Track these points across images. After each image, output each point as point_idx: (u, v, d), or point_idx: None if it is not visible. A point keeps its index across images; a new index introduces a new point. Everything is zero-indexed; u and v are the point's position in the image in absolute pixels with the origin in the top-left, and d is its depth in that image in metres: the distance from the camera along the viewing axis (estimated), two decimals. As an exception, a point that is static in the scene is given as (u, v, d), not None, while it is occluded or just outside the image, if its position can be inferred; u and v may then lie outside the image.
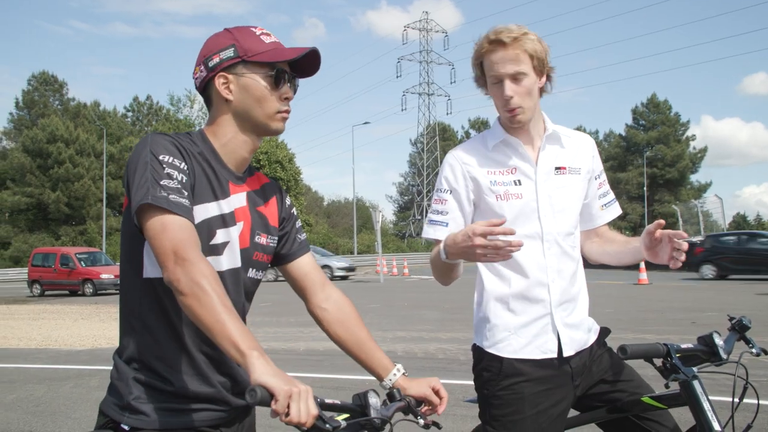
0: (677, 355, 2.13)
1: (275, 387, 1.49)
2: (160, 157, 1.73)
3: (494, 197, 2.34)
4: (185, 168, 1.77)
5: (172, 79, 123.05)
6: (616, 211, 2.59)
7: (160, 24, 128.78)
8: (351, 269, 33.94)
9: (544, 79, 2.36)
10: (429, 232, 2.40)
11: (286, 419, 1.50)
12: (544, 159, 2.39)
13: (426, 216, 2.46)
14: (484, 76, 2.36)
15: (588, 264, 2.51)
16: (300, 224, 2.16)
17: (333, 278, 29.60)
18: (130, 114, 70.03)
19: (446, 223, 2.37)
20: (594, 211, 2.53)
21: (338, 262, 33.39)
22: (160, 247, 1.63)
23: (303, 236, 2.15)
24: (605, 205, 2.56)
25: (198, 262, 1.62)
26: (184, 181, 1.74)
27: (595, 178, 2.51)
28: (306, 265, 2.11)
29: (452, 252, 2.15)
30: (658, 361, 2.14)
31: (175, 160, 1.76)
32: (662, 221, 2.27)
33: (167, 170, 1.72)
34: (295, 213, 2.16)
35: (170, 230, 1.64)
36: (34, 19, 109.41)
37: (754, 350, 2.27)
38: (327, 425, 1.56)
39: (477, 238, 2.01)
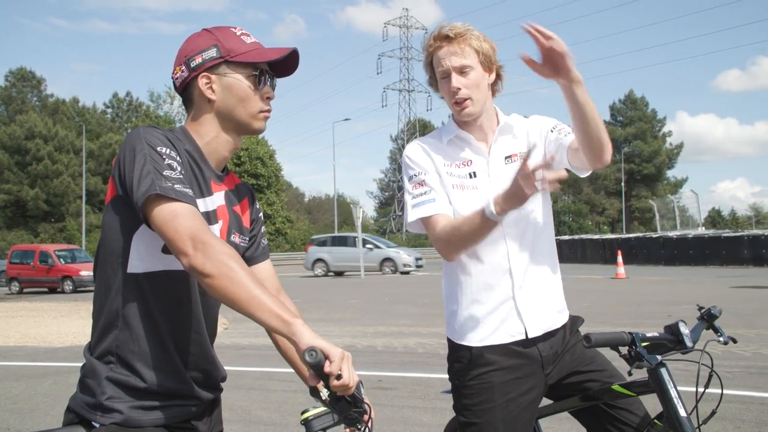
0: (643, 343, 2.19)
1: (330, 349, 1.55)
2: (158, 149, 1.75)
3: (451, 186, 2.40)
4: (180, 161, 1.79)
5: (152, 75, 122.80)
6: None
7: (139, 21, 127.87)
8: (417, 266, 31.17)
9: (493, 76, 2.41)
10: (418, 213, 2.38)
11: (338, 382, 1.55)
12: (495, 151, 2.44)
13: (405, 209, 2.46)
14: (436, 76, 2.42)
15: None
16: (264, 230, 2.19)
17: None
18: (109, 110, 69.41)
19: (433, 198, 2.37)
20: (567, 138, 2.38)
21: (406, 256, 31.09)
22: (174, 234, 1.64)
23: (265, 242, 2.18)
24: (568, 133, 2.40)
25: (218, 244, 1.64)
26: (183, 173, 1.77)
27: (551, 131, 2.43)
28: (265, 270, 2.13)
29: (502, 203, 2.10)
30: (624, 350, 2.19)
31: (172, 152, 1.78)
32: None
33: (167, 161, 1.74)
34: (262, 218, 2.19)
35: (182, 217, 1.66)
36: (12, 16, 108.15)
37: (721, 339, 2.32)
38: (361, 396, 1.65)
39: (524, 170, 1.97)
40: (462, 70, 2.33)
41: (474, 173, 2.41)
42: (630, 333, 2.18)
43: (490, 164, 2.42)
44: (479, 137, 2.45)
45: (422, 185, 2.41)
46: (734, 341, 2.38)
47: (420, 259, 31.45)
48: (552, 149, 2.42)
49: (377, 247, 31.28)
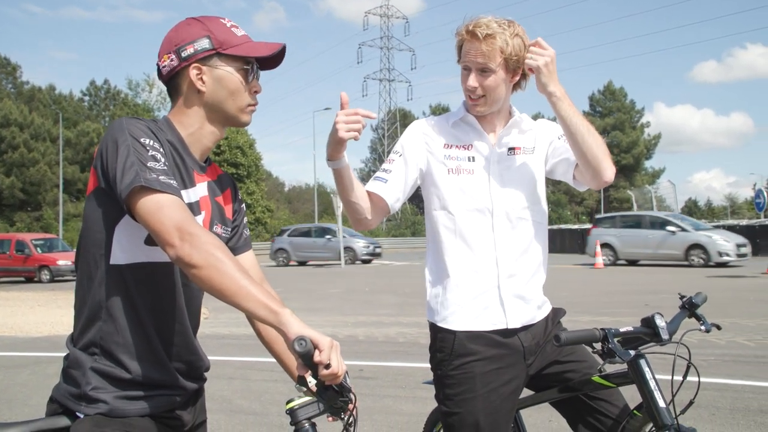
0: (617, 338, 2.20)
1: (319, 339, 1.57)
2: (142, 140, 1.74)
3: (446, 170, 2.43)
4: (164, 152, 1.79)
5: (129, 63, 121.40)
6: None
7: (116, 8, 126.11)
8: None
9: (518, 77, 2.43)
10: (369, 185, 2.49)
11: (326, 371, 1.56)
12: (500, 140, 2.47)
13: None
14: None
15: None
16: (246, 220, 2.20)
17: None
18: (86, 98, 68.66)
19: (386, 179, 2.47)
20: (569, 156, 2.46)
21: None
22: (160, 225, 1.64)
23: (247, 232, 2.18)
24: None
25: (204, 235, 1.65)
26: (167, 164, 1.76)
27: (559, 138, 2.51)
28: (248, 261, 2.13)
29: (328, 150, 2.28)
30: (598, 345, 2.20)
31: (155, 143, 1.78)
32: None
33: (151, 153, 1.73)
34: (244, 208, 2.19)
35: (167, 209, 1.66)
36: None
37: (703, 327, 2.34)
38: (348, 385, 1.67)
39: (340, 116, 2.17)
40: (482, 70, 2.35)
41: (473, 158, 2.44)
42: (603, 329, 2.19)
43: (492, 151, 2.44)
44: (486, 124, 2.48)
45: (390, 163, 2.50)
46: (718, 328, 2.40)
47: (743, 245, 22.52)
48: (555, 157, 2.50)
49: (682, 229, 22.90)
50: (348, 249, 29.66)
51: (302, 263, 31.06)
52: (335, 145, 2.24)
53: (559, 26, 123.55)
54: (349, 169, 2.36)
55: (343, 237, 29.09)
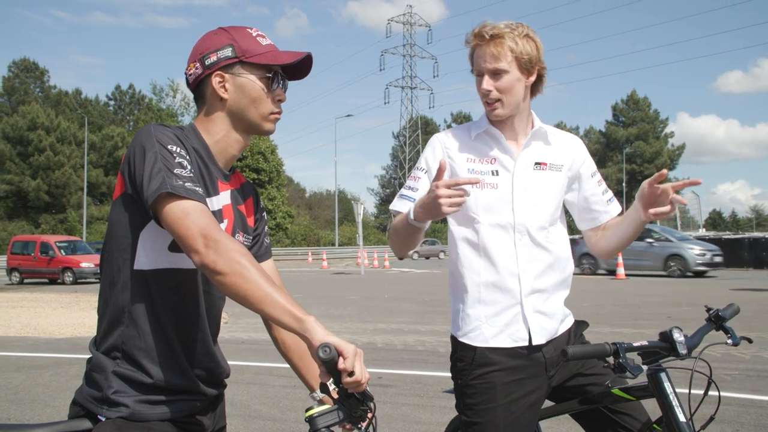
0: (632, 352, 2.16)
1: (344, 346, 1.57)
2: (169, 147, 1.76)
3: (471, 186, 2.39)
4: (190, 159, 1.80)
5: (152, 69, 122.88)
6: (618, 207, 2.61)
7: (140, 14, 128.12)
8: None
9: (533, 78, 2.40)
10: (396, 205, 2.45)
11: (350, 378, 1.56)
12: (525, 154, 2.43)
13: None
14: None
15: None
16: (267, 229, 2.20)
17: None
18: (112, 103, 69.47)
19: (414, 198, 2.40)
20: (600, 207, 2.55)
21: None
22: (186, 231, 1.65)
23: (268, 240, 2.19)
24: (610, 200, 2.59)
25: (229, 242, 1.65)
26: (193, 171, 1.78)
27: (591, 176, 2.55)
28: (268, 269, 2.12)
29: (419, 212, 2.21)
30: (611, 360, 2.16)
31: (182, 150, 1.79)
32: (665, 171, 2.35)
33: (178, 159, 1.75)
34: (265, 216, 2.20)
35: (193, 215, 1.67)
36: (13, 7, 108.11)
37: (730, 340, 2.29)
38: (369, 393, 1.66)
39: (441, 189, 2.08)
40: (494, 73, 2.33)
41: (497, 171, 2.41)
42: (614, 344, 2.15)
43: (516, 165, 2.41)
44: (509, 136, 2.44)
45: (416, 181, 2.45)
46: (749, 341, 2.36)
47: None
48: (581, 201, 2.55)
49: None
50: (674, 257, 23.06)
51: (612, 272, 24.38)
52: (431, 216, 2.20)
53: (582, 35, 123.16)
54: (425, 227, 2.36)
55: (668, 240, 23.52)
